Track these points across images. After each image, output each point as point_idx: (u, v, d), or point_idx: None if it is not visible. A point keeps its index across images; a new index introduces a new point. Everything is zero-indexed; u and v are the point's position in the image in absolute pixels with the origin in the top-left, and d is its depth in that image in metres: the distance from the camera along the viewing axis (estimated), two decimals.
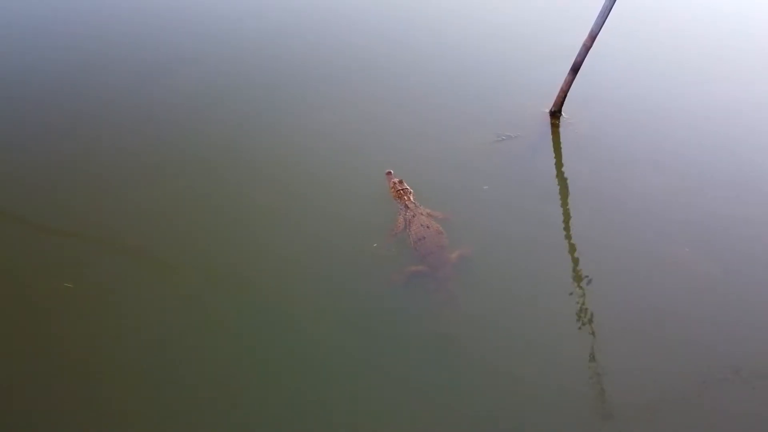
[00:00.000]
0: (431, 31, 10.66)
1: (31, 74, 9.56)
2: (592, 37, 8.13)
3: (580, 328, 6.19)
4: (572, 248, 7.04)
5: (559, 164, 8.23)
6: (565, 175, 8.07)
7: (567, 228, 7.31)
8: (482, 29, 10.69)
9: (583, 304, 6.39)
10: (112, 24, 10.89)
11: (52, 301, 6.18)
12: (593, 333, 6.15)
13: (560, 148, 8.50)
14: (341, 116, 8.72)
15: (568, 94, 8.67)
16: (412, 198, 7.16)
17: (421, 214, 6.96)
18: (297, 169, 7.86)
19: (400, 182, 7.31)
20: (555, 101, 8.79)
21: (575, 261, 6.92)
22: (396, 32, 10.60)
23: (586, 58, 8.32)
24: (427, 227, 6.77)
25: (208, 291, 6.45)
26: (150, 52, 10.07)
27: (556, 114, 8.84)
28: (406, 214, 6.98)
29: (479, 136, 8.44)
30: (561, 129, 8.70)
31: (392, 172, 7.47)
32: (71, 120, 8.60)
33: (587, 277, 6.68)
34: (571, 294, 6.50)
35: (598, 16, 7.96)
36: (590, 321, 6.24)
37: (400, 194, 7.18)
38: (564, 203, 7.66)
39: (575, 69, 8.42)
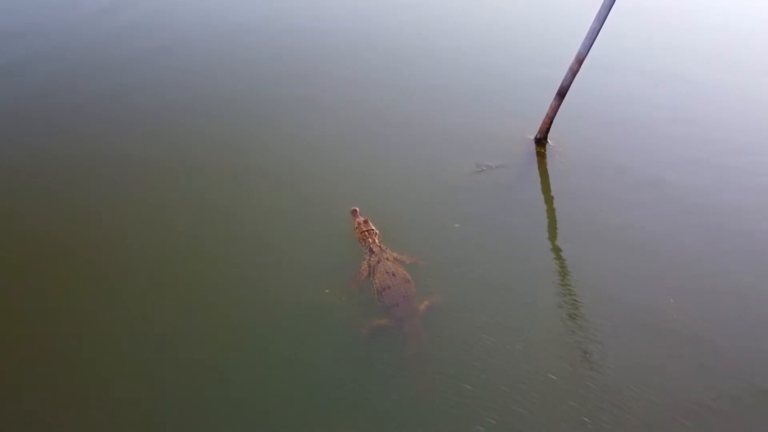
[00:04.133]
0: (407, 52, 10.08)
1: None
2: (579, 61, 7.50)
3: (568, 390, 5.50)
4: (558, 296, 6.37)
5: (547, 197, 7.59)
6: (552, 209, 7.43)
7: (553, 272, 6.65)
8: (462, 50, 10.11)
9: (573, 361, 5.72)
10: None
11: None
12: (584, 395, 5.47)
13: (547, 178, 7.86)
14: (298, 144, 8.14)
15: (554, 120, 8.04)
16: (377, 240, 6.53)
17: (387, 259, 6.34)
18: (250, 198, 7.32)
19: (366, 222, 6.69)
20: (540, 128, 8.17)
21: (563, 312, 6.24)
22: (371, 52, 10.02)
23: (572, 83, 7.70)
24: (393, 275, 6.15)
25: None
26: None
27: (541, 141, 8.22)
28: (370, 259, 6.36)
29: (458, 166, 7.83)
30: (547, 158, 8.07)
31: (358, 210, 6.85)
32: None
33: (577, 332, 6.01)
34: (559, 354, 5.80)
35: (586, 38, 7.34)
36: (580, 382, 5.58)
37: (364, 236, 6.56)
38: (550, 242, 7.02)
39: (562, 94, 7.80)
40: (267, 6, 11.54)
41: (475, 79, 9.35)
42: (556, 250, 6.87)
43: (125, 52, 10.11)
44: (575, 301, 6.32)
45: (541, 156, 8.08)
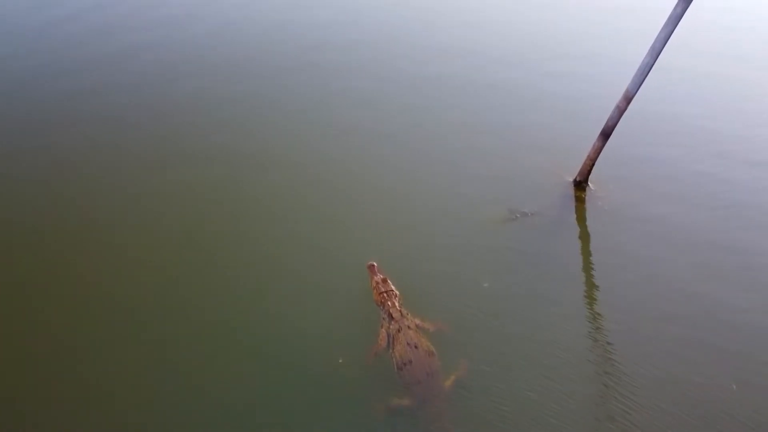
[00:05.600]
0: (436, 82, 9.20)
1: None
2: (628, 99, 6.68)
3: None
4: (598, 377, 5.54)
5: (585, 252, 6.76)
6: (589, 265, 6.59)
7: (593, 340, 5.83)
8: (496, 82, 9.19)
9: None
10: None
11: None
12: None
13: (586, 230, 7.03)
14: (309, 186, 7.35)
15: (597, 162, 7.20)
16: (397, 304, 5.75)
17: (409, 327, 5.56)
18: (254, 249, 6.60)
19: (384, 281, 5.92)
20: (581, 170, 7.34)
21: (604, 388, 5.43)
22: (396, 84, 9.15)
23: (619, 122, 6.87)
24: (415, 347, 5.37)
25: None
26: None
27: (581, 184, 7.39)
28: (389, 327, 5.59)
29: (488, 212, 7.04)
30: (587, 204, 7.24)
31: (376, 265, 6.07)
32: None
33: (617, 419, 5.18)
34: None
35: (636, 74, 6.52)
36: None
37: (383, 298, 5.78)
38: (589, 305, 6.18)
39: (606, 134, 6.97)
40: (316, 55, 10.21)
41: (507, 113, 8.50)
42: (595, 318, 6.02)
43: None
44: (618, 381, 5.48)
45: (580, 201, 7.25)
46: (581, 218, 7.11)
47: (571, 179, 7.44)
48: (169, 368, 5.58)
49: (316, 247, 6.58)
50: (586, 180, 7.35)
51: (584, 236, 6.89)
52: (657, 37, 6.30)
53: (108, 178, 7.57)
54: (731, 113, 8.43)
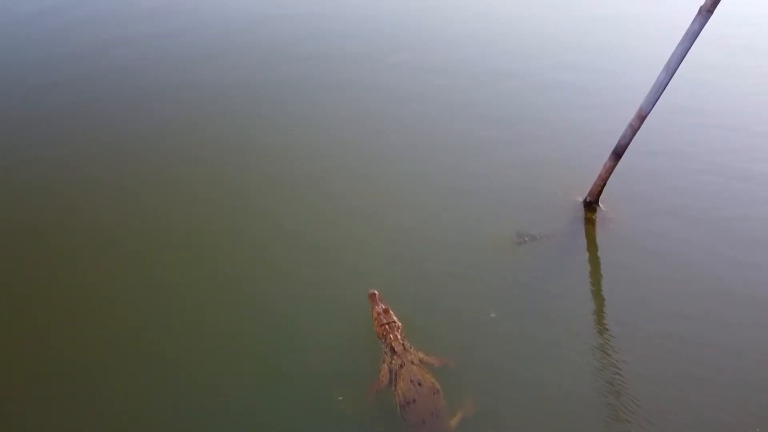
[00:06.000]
0: (441, 99, 8.81)
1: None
2: (641, 117, 6.39)
3: None
4: (614, 413, 5.23)
5: (595, 279, 6.44)
6: (600, 294, 6.28)
7: (608, 384, 5.48)
8: (503, 99, 8.82)
9: None
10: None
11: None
12: None
13: (596, 252, 6.73)
14: (307, 209, 7.02)
15: (608, 182, 6.90)
16: (400, 337, 5.43)
17: (412, 362, 5.25)
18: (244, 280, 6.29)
19: (386, 312, 5.61)
20: (591, 190, 7.04)
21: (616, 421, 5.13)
22: (400, 102, 8.77)
23: (632, 141, 6.57)
24: (419, 384, 5.07)
25: None
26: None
27: (591, 205, 7.08)
28: (392, 362, 5.28)
29: (496, 235, 6.73)
30: (597, 225, 6.93)
31: (377, 294, 5.77)
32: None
33: None
34: None
35: (650, 92, 6.23)
36: None
37: (385, 330, 5.47)
38: (600, 333, 5.87)
39: (618, 153, 6.68)
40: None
41: (514, 129, 8.16)
42: (606, 351, 5.69)
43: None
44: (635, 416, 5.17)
45: (590, 223, 6.95)
46: (592, 242, 6.81)
47: (580, 199, 7.13)
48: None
49: (317, 277, 6.24)
50: (596, 200, 7.05)
51: (593, 260, 6.58)
52: (673, 53, 6.00)
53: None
54: (757, 133, 8.05)
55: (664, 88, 6.16)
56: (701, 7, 5.71)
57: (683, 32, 5.82)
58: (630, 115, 6.45)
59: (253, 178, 7.44)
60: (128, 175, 7.48)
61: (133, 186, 7.30)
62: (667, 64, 6.06)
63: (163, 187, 7.33)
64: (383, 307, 5.66)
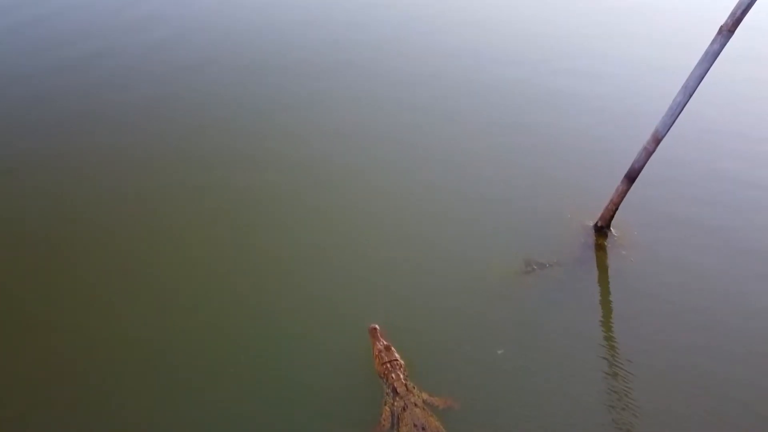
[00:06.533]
0: (444, 120, 8.47)
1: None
2: (657, 140, 6.09)
3: None
4: None
5: (605, 306, 6.13)
6: (610, 325, 5.96)
7: (619, 413, 5.18)
8: (508, 115, 8.51)
9: None
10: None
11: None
12: None
13: (607, 280, 6.42)
14: (303, 237, 6.75)
15: (620, 207, 6.59)
16: (402, 376, 5.11)
17: (415, 404, 4.93)
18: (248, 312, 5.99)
19: (388, 350, 5.30)
20: (602, 214, 6.73)
21: None
22: (403, 119, 8.46)
23: (646, 165, 6.26)
24: (423, 429, 4.75)
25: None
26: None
27: (602, 230, 6.77)
28: (394, 404, 4.97)
29: (502, 263, 6.42)
30: (609, 252, 6.62)
31: (378, 329, 5.45)
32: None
33: None
34: None
35: (666, 114, 5.94)
36: None
37: (386, 369, 5.16)
38: (613, 374, 5.53)
39: (631, 177, 6.37)
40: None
41: (522, 152, 7.82)
42: (618, 392, 5.36)
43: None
44: None
45: (601, 249, 6.64)
46: (602, 267, 6.49)
47: (591, 224, 6.82)
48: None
49: (316, 312, 5.94)
50: (608, 225, 6.74)
51: (603, 289, 6.26)
52: (690, 75, 5.71)
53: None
54: None
55: (681, 110, 5.86)
56: (721, 26, 5.41)
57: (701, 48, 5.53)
58: (644, 132, 6.16)
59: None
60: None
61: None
62: (685, 86, 5.76)
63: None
64: (385, 343, 5.34)
